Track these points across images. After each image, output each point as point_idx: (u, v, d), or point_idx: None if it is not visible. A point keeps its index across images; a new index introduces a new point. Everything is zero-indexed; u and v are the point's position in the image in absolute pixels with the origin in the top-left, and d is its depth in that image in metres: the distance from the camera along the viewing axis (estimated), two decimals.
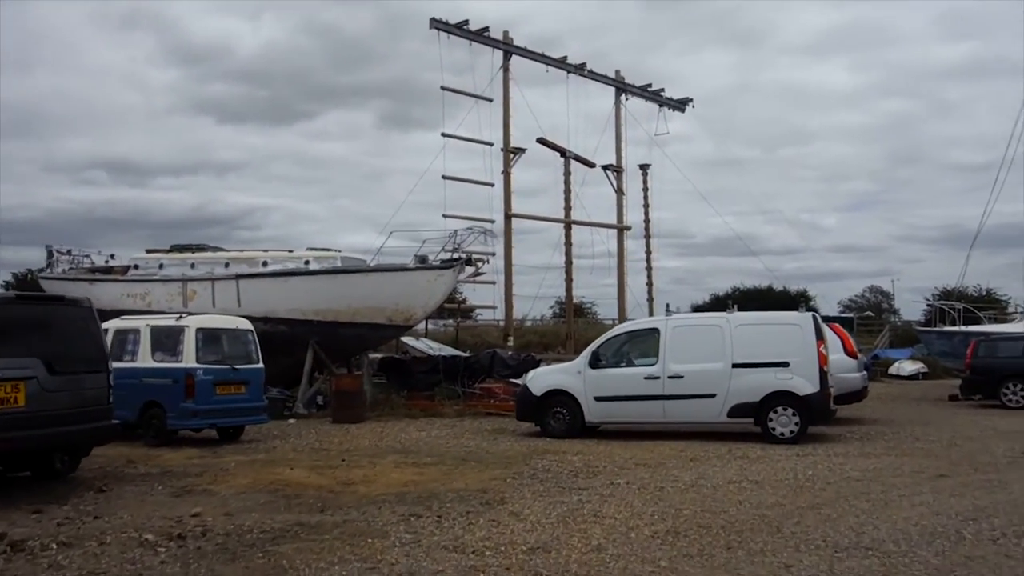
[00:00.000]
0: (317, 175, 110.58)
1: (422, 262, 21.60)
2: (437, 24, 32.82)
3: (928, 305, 30.51)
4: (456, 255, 21.52)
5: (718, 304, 55.11)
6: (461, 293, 51.04)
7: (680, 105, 42.42)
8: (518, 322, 46.20)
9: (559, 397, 16.49)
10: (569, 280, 37.75)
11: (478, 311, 45.15)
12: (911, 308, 64.23)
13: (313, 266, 22.33)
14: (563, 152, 37.49)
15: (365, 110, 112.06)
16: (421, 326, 43.98)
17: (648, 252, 41.76)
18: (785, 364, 15.34)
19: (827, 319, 47.10)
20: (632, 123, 40.57)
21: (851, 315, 48.34)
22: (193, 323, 16.27)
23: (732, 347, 15.63)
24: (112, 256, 25.89)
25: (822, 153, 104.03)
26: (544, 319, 49.05)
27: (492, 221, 34.29)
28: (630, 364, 16.45)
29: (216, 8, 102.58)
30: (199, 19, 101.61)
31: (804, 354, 15.35)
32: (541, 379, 16.90)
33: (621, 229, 40.14)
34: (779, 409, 15.30)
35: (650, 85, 40.88)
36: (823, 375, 15.29)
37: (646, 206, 41.85)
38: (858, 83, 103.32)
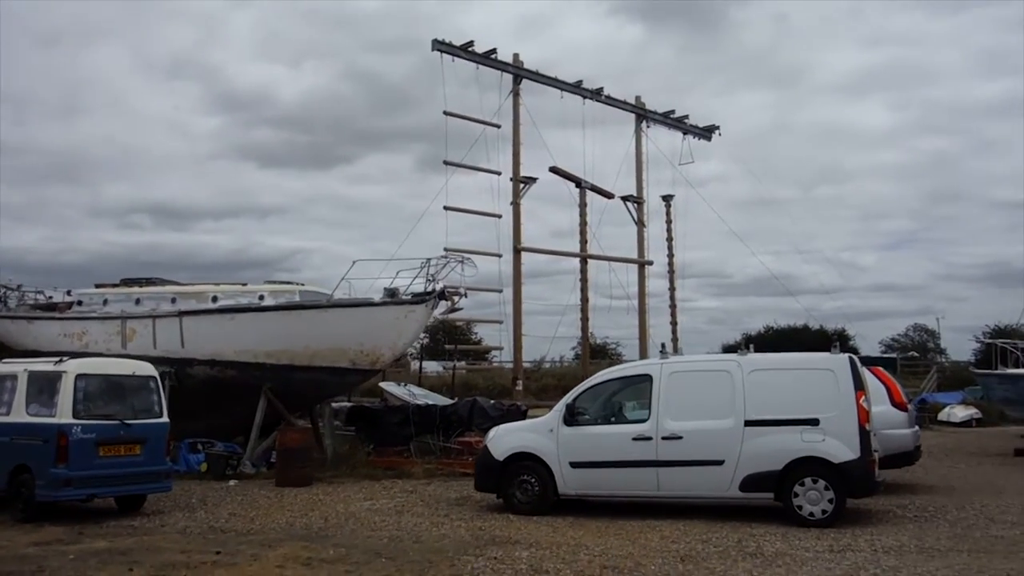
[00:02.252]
0: (356, 218, 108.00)
1: (391, 296, 17.88)
2: (440, 46, 29.51)
3: (979, 343, 25.85)
4: (430, 287, 17.78)
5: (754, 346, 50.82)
6: (476, 333, 47.40)
7: (706, 133, 38.54)
8: (535, 364, 42.31)
9: (526, 462, 12.59)
10: (585, 319, 33.84)
11: (493, 352, 41.44)
12: (958, 348, 58.77)
13: (268, 301, 18.72)
14: (578, 182, 33.80)
15: (404, 153, 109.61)
16: (426, 367, 40.60)
17: (672, 289, 37.72)
18: (814, 421, 11.32)
19: (868, 360, 42.48)
20: (656, 158, 36.71)
21: (894, 355, 43.68)
22: (72, 368, 12.68)
23: (745, 399, 11.66)
24: (68, 292, 22.51)
25: (860, 192, 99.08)
26: (564, 361, 44.98)
27: (499, 255, 30.95)
28: (615, 420, 12.52)
29: (258, 56, 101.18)
30: (242, 67, 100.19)
31: (839, 408, 11.33)
32: (504, 439, 12.99)
33: (642, 264, 36.21)
34: (807, 481, 11.26)
35: (673, 112, 37.08)
36: (864, 435, 11.24)
37: (669, 240, 37.86)
38: (896, 121, 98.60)
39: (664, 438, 11.83)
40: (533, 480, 12.48)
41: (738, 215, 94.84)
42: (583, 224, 33.75)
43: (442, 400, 21.64)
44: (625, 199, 35.61)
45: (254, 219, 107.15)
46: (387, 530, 11.40)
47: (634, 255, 36.07)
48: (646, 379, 12.27)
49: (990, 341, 24.91)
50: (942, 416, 32.60)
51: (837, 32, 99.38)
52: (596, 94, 33.85)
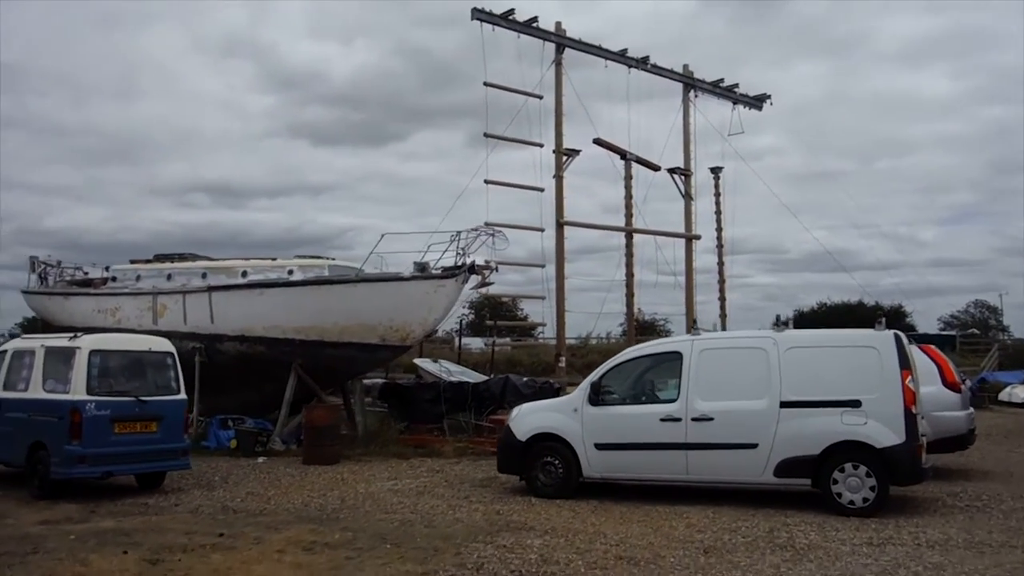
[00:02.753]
0: (407, 194, 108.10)
1: (421, 270, 17.31)
2: (479, 14, 28.67)
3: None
4: (461, 261, 17.17)
5: (803, 321, 49.25)
6: (523, 309, 46.78)
7: (756, 102, 37.05)
8: (580, 341, 41.60)
9: (550, 443, 11.94)
10: (630, 295, 32.88)
11: (539, 328, 40.77)
12: (1023, 325, 56.51)
13: (297, 276, 18.28)
14: (623, 154, 32.71)
15: (455, 130, 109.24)
16: (469, 343, 40.07)
17: (720, 264, 36.53)
18: (856, 403, 10.45)
19: (925, 337, 40.80)
20: (705, 130, 35.40)
21: (953, 333, 42.02)
22: (87, 344, 12.36)
23: (781, 378, 10.83)
24: (107, 268, 22.39)
25: (920, 164, 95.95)
26: (611, 337, 44.11)
27: (542, 230, 30.21)
28: (643, 400, 11.77)
29: (310, 34, 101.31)
30: (294, 45, 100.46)
31: (883, 389, 10.44)
32: (527, 419, 12.34)
33: (690, 239, 35.06)
34: (847, 467, 10.42)
35: (722, 80, 35.73)
36: (910, 419, 10.35)
37: (718, 213, 36.65)
38: (958, 90, 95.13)
39: (694, 419, 11.07)
40: (557, 462, 11.84)
41: (793, 189, 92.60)
42: (628, 198, 32.71)
43: (478, 377, 21.05)
44: (672, 171, 34.42)
45: (307, 197, 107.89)
46: (402, 512, 10.86)
47: (682, 229, 35.00)
48: (676, 357, 11.50)
49: None
50: (1003, 396, 31.21)
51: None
52: (642, 63, 32.63)
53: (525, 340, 41.89)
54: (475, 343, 37.61)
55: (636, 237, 32.59)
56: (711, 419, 11.00)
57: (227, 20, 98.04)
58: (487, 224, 28.76)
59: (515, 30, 29.30)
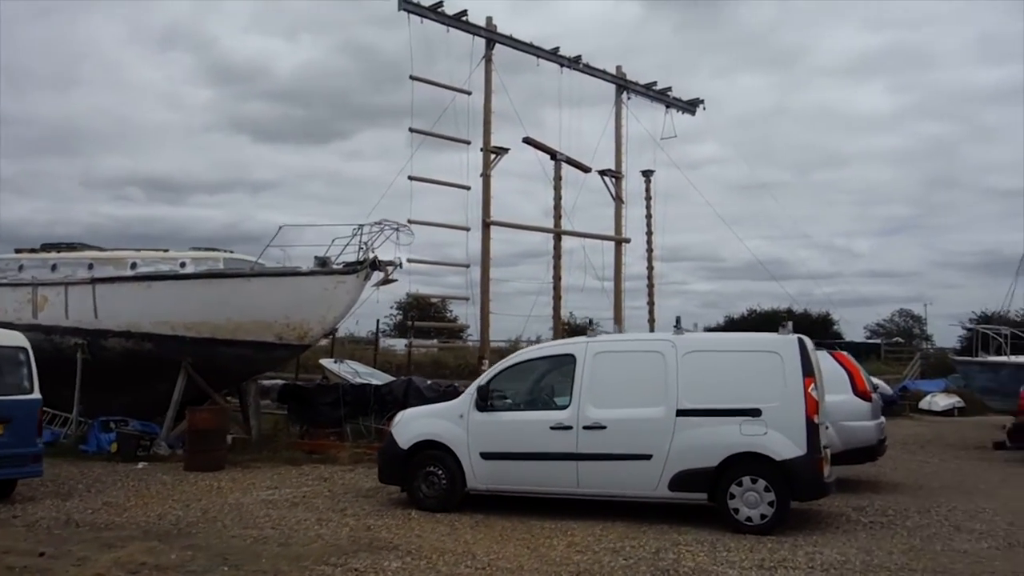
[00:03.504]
0: (350, 194, 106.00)
1: (322, 265, 16.16)
2: (407, 5, 27.54)
3: (965, 330, 24.07)
4: (364, 256, 16.06)
5: (733, 327, 48.97)
6: (452, 311, 45.60)
7: (690, 107, 36.50)
8: (510, 343, 40.63)
9: (434, 452, 10.90)
10: (557, 298, 32.02)
11: (466, 330, 39.70)
12: (945, 335, 57.01)
13: (190, 269, 16.99)
14: (553, 154, 31.81)
15: (398, 129, 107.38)
16: (393, 344, 38.84)
17: (650, 268, 35.78)
18: (755, 412, 9.62)
19: (850, 345, 40.67)
20: (639, 136, 34.73)
21: (878, 341, 41.95)
22: None
23: (678, 384, 9.95)
24: None
25: (858, 177, 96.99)
26: (541, 340, 43.11)
27: (468, 229, 29.23)
28: (533, 406, 10.81)
29: (254, 28, 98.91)
30: (237, 38, 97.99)
31: (784, 397, 9.63)
32: (410, 425, 11.29)
33: (619, 242, 34.31)
34: (745, 481, 9.57)
35: (655, 83, 35.12)
36: (812, 429, 9.54)
37: (648, 217, 35.97)
38: (896, 105, 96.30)
39: (585, 428, 10.14)
40: (440, 472, 10.80)
41: (734, 198, 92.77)
42: (557, 199, 31.76)
43: (386, 379, 19.92)
44: (603, 173, 33.65)
45: (248, 193, 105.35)
46: (262, 528, 9.74)
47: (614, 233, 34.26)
48: (569, 360, 10.55)
49: (971, 327, 23.09)
50: (923, 404, 31.02)
51: (839, 13, 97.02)
52: (574, 62, 31.78)
53: (453, 342, 40.73)
54: (399, 344, 36.42)
55: (572, 240, 31.87)
56: (603, 428, 10.08)
57: (168, 10, 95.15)
58: (410, 221, 27.83)
59: (444, 23, 28.22)
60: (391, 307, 44.42)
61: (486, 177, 29.52)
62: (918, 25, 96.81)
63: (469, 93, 29.10)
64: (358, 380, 19.28)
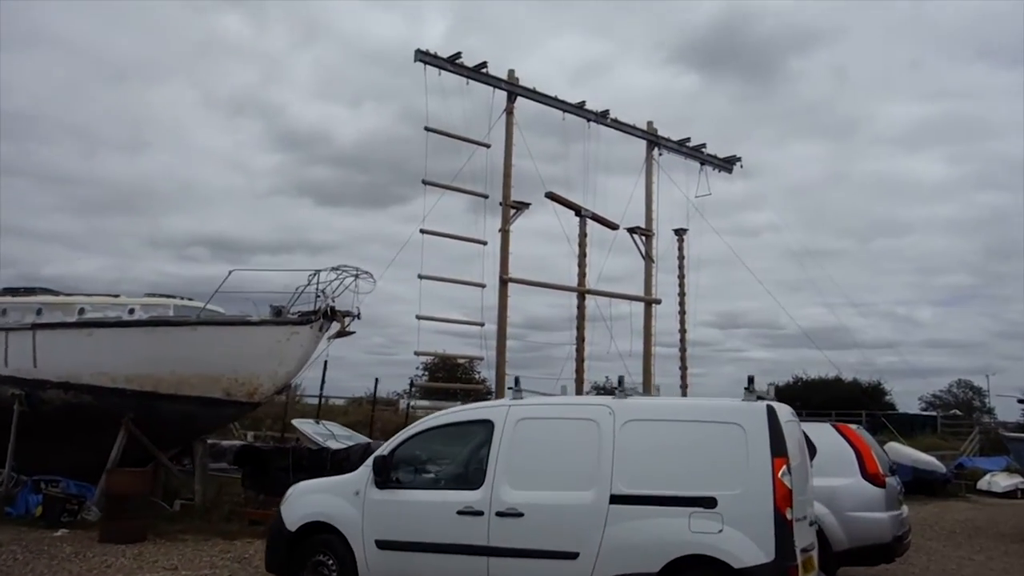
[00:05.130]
0: (408, 257, 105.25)
1: (277, 314, 14.24)
2: (423, 56, 26.05)
3: (1019, 403, 20.92)
4: (323, 305, 14.10)
5: (779, 396, 45.63)
6: (480, 372, 43.18)
7: (726, 165, 34.18)
8: None
9: (324, 536, 8.66)
10: (581, 360, 29.63)
11: (487, 392, 37.34)
12: (1010, 409, 52.49)
13: (137, 315, 15.23)
14: (578, 210, 29.79)
15: (456, 194, 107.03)
16: (417, 405, 36.67)
17: (682, 330, 33.20)
18: (709, 502, 7.18)
19: (903, 417, 37.17)
20: (673, 196, 32.58)
21: (934, 414, 38.29)
22: None
23: (613, 463, 7.59)
24: None
25: (917, 246, 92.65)
26: None
27: (483, 286, 27.17)
28: (440, 484, 8.52)
29: (319, 95, 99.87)
30: (303, 106, 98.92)
31: (747, 483, 7.18)
32: (299, 502, 9.10)
33: (650, 302, 31.85)
34: None
35: (688, 140, 32.96)
36: (783, 527, 7.04)
37: (681, 277, 33.49)
38: (954, 175, 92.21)
39: (499, 513, 7.81)
40: (331, 562, 8.56)
41: (792, 265, 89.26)
42: (582, 256, 29.61)
43: (353, 441, 17.74)
44: (632, 231, 31.46)
45: (308, 254, 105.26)
46: None
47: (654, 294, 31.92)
48: (486, 427, 8.27)
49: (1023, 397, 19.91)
50: (981, 484, 27.52)
51: (895, 85, 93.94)
52: (601, 117, 29.94)
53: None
54: (423, 405, 34.25)
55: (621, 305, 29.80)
56: (520, 515, 7.75)
57: (237, 79, 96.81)
58: (421, 277, 25.87)
59: (462, 75, 26.59)
60: (417, 368, 42.36)
61: (504, 232, 27.54)
62: (976, 95, 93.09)
63: (488, 146, 27.38)
64: (331, 442, 17.13)
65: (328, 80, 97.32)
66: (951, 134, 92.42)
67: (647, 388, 31.62)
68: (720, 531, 7.09)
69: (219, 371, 14.29)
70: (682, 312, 33.38)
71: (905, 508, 10.77)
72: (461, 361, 39.05)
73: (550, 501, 7.73)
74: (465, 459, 8.49)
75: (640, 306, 31.75)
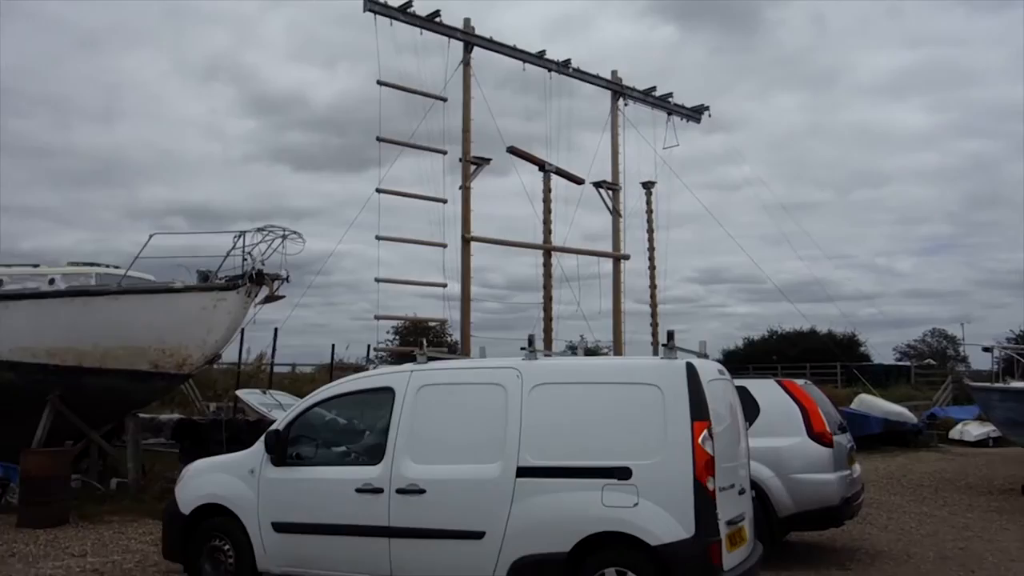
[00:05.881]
0: (389, 221, 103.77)
1: (204, 280, 13.35)
2: (373, 6, 24.75)
3: (985, 350, 20.30)
4: (250, 270, 13.21)
5: (751, 349, 45.08)
6: (452, 335, 42.33)
7: (694, 114, 33.19)
8: None
9: (220, 519, 7.87)
10: (548, 319, 28.89)
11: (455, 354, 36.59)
12: (984, 357, 51.93)
13: (58, 286, 14.29)
14: (542, 165, 28.87)
15: (436, 156, 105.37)
16: None
17: (652, 287, 32.48)
18: (624, 472, 6.41)
19: (877, 368, 36.66)
20: (642, 151, 31.62)
21: (908, 363, 37.83)
22: None
23: (521, 432, 6.79)
24: None
25: (898, 195, 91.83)
26: None
27: (444, 245, 26.30)
28: (339, 460, 7.74)
29: (292, 58, 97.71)
30: (276, 69, 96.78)
31: (665, 451, 6.41)
32: (193, 483, 8.30)
33: (618, 258, 31.07)
34: (608, 573, 6.34)
35: (654, 89, 31.91)
36: (704, 499, 6.28)
37: (650, 231, 32.66)
38: (935, 123, 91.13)
39: (399, 491, 7.03)
40: (227, 547, 7.78)
41: (772, 219, 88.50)
42: (547, 212, 28.73)
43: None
44: (598, 185, 30.54)
45: (288, 221, 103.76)
46: None
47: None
48: (387, 395, 7.46)
49: (988, 346, 19.31)
50: (954, 434, 27.11)
51: (875, 33, 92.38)
52: (563, 66, 28.83)
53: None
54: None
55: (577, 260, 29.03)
56: (422, 491, 6.97)
57: (209, 43, 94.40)
58: (379, 238, 24.95)
59: (415, 24, 25.49)
60: (388, 332, 41.48)
61: (465, 190, 26.63)
62: (957, 42, 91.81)
63: (444, 99, 26.34)
64: (276, 414, 16.31)
65: (301, 42, 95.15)
66: (932, 82, 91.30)
67: (617, 347, 31.06)
68: (635, 505, 6.33)
69: (144, 342, 13.44)
70: (652, 268, 32.63)
71: (857, 467, 10.07)
72: (432, 324, 38.22)
73: (453, 476, 6.94)
74: (365, 431, 7.71)
75: (610, 263, 31.04)
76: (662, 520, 6.26)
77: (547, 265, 28.80)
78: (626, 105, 31.45)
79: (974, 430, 26.69)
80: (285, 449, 7.67)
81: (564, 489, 6.57)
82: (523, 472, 6.70)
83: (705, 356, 7.56)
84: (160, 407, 22.76)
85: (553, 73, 28.71)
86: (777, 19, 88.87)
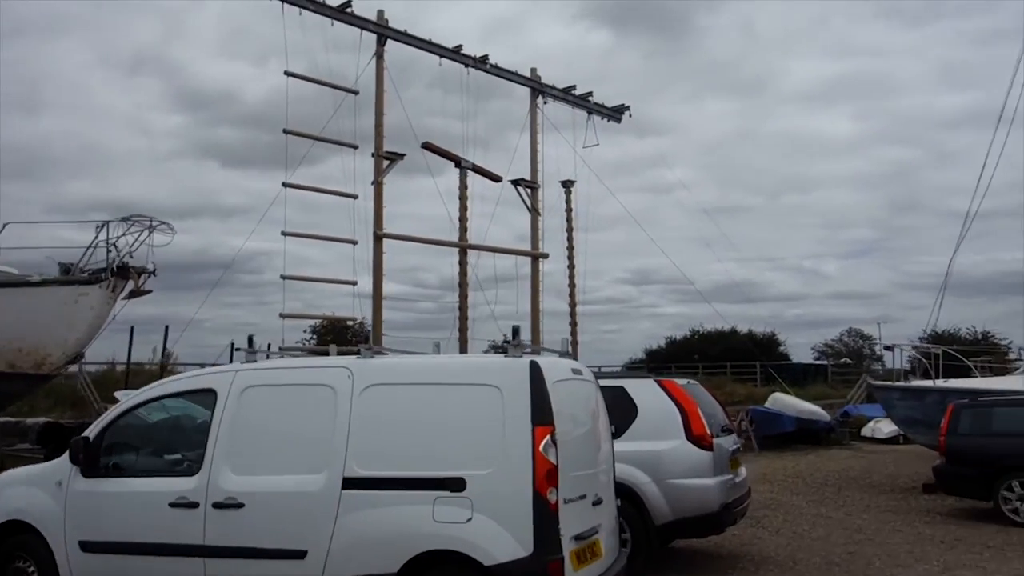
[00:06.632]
0: (318, 220, 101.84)
1: (65, 273, 12.26)
2: None
3: (886, 349, 20.23)
4: (116, 262, 12.16)
5: (673, 348, 44.97)
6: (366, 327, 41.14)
7: (615, 114, 32.81)
8: None
9: (24, 536, 6.94)
10: (464, 319, 28.14)
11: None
12: (900, 356, 52.56)
13: None
14: (458, 161, 28.12)
15: (368, 155, 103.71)
16: None
17: (572, 285, 31.94)
18: (458, 484, 5.69)
19: (794, 367, 36.74)
20: (562, 148, 31.11)
21: (825, 363, 38.05)
22: None
23: (349, 438, 6.02)
24: None
25: (824, 201, 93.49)
26: None
27: (355, 242, 25.44)
28: (155, 470, 6.87)
29: (222, 53, 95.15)
30: (205, 65, 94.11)
31: (503, 460, 5.71)
32: (4, 497, 7.32)
33: (536, 257, 30.46)
34: None
35: (574, 87, 31.41)
36: (545, 514, 5.60)
37: (569, 230, 32.15)
38: (860, 131, 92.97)
39: (216, 505, 6.21)
40: (31, 570, 6.86)
41: (703, 222, 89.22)
42: (463, 209, 27.99)
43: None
44: (516, 183, 29.88)
45: (216, 219, 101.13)
46: None
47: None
48: (209, 398, 6.62)
49: (890, 345, 19.16)
50: (865, 431, 27.17)
51: (802, 42, 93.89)
52: (480, 62, 28.09)
53: None
54: None
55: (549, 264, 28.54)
56: (240, 506, 6.15)
57: (136, 35, 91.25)
58: (284, 234, 23.91)
59: (325, 15, 24.49)
60: (304, 331, 40.21)
61: (378, 185, 25.75)
62: (880, 53, 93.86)
63: (356, 92, 25.48)
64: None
65: (231, 36, 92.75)
66: (856, 91, 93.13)
67: (535, 346, 30.45)
68: (468, 520, 5.61)
69: (0, 339, 12.28)
70: (571, 267, 32.13)
71: (742, 471, 9.54)
72: (350, 323, 37.17)
73: (274, 488, 6.14)
74: (184, 438, 6.85)
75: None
76: (497, 537, 5.56)
77: (463, 263, 28.09)
78: (545, 103, 30.83)
79: (885, 427, 26.70)
80: (96, 459, 6.78)
81: (393, 503, 5.82)
82: (349, 484, 5.93)
83: (568, 355, 6.92)
84: (52, 408, 21.50)
85: (479, 73, 28.09)
86: (707, 25, 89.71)
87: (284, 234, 23.73)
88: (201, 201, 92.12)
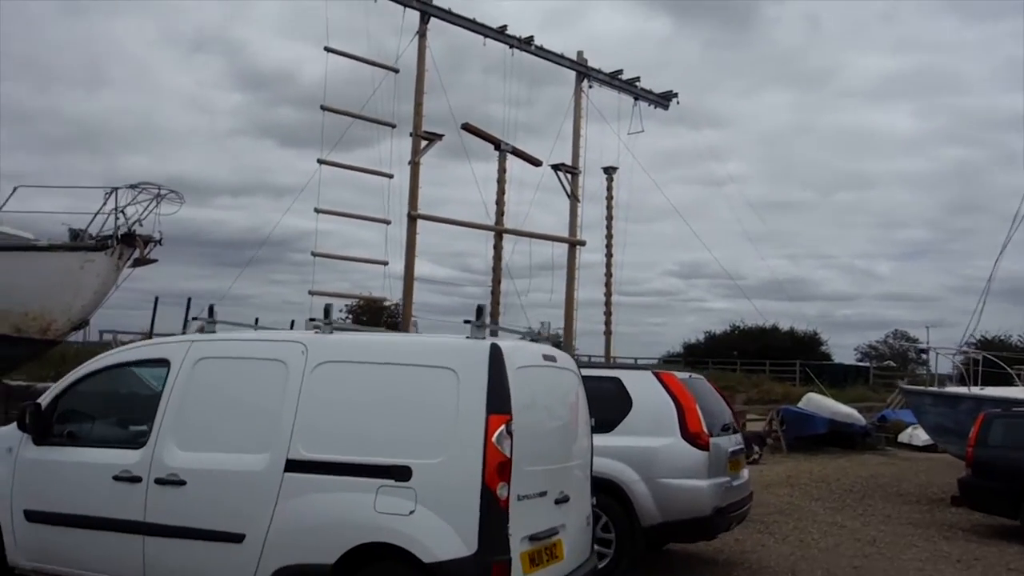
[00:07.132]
0: (373, 202, 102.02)
1: (74, 239, 12.11)
2: None
3: (921, 352, 19.24)
4: (122, 228, 11.98)
5: (712, 348, 43.86)
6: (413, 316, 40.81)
7: (662, 100, 32.04)
8: None
9: None
10: (496, 303, 27.71)
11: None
12: (945, 361, 50.47)
13: None
14: (497, 144, 27.66)
15: (407, 137, 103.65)
16: None
17: (608, 274, 31.38)
18: (403, 472, 5.24)
19: (834, 367, 35.62)
20: (603, 129, 30.50)
21: (867, 364, 36.80)
22: None
23: (296, 418, 5.61)
24: None
25: (881, 199, 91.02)
26: None
27: (388, 222, 25.26)
28: (104, 440, 6.54)
29: (284, 34, 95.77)
30: (267, 45, 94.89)
31: (453, 448, 5.24)
32: None
33: (574, 243, 29.86)
34: None
35: (620, 72, 30.68)
36: (493, 510, 5.13)
37: (609, 218, 31.54)
38: (921, 129, 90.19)
39: (158, 480, 5.86)
40: None
41: (755, 216, 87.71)
42: (501, 193, 27.61)
43: None
44: (556, 168, 29.31)
45: (271, 197, 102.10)
46: None
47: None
48: (163, 367, 6.27)
49: (925, 347, 18.20)
50: (903, 437, 26.07)
51: (868, 36, 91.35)
52: (525, 43, 27.56)
53: None
54: None
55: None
56: (183, 483, 5.79)
57: (199, 13, 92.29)
58: (318, 211, 23.74)
59: None
60: (340, 311, 40.14)
61: (415, 165, 25.47)
62: (947, 49, 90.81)
63: (396, 71, 25.27)
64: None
65: (294, 17, 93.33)
66: (920, 87, 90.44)
67: (567, 336, 29.91)
68: (411, 513, 5.17)
69: (5, 304, 12.18)
70: (608, 255, 31.53)
71: (743, 473, 8.93)
72: (387, 304, 37.07)
73: (217, 466, 5.77)
74: (136, 409, 6.51)
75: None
76: (440, 532, 5.11)
77: (497, 248, 27.70)
78: (590, 87, 30.25)
79: (923, 434, 25.61)
80: (48, 426, 6.48)
81: (335, 488, 5.41)
82: (292, 466, 5.53)
83: (554, 339, 6.41)
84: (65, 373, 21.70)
85: (524, 60, 27.67)
86: (774, 16, 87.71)
87: (317, 211, 23.65)
88: (257, 179, 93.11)
